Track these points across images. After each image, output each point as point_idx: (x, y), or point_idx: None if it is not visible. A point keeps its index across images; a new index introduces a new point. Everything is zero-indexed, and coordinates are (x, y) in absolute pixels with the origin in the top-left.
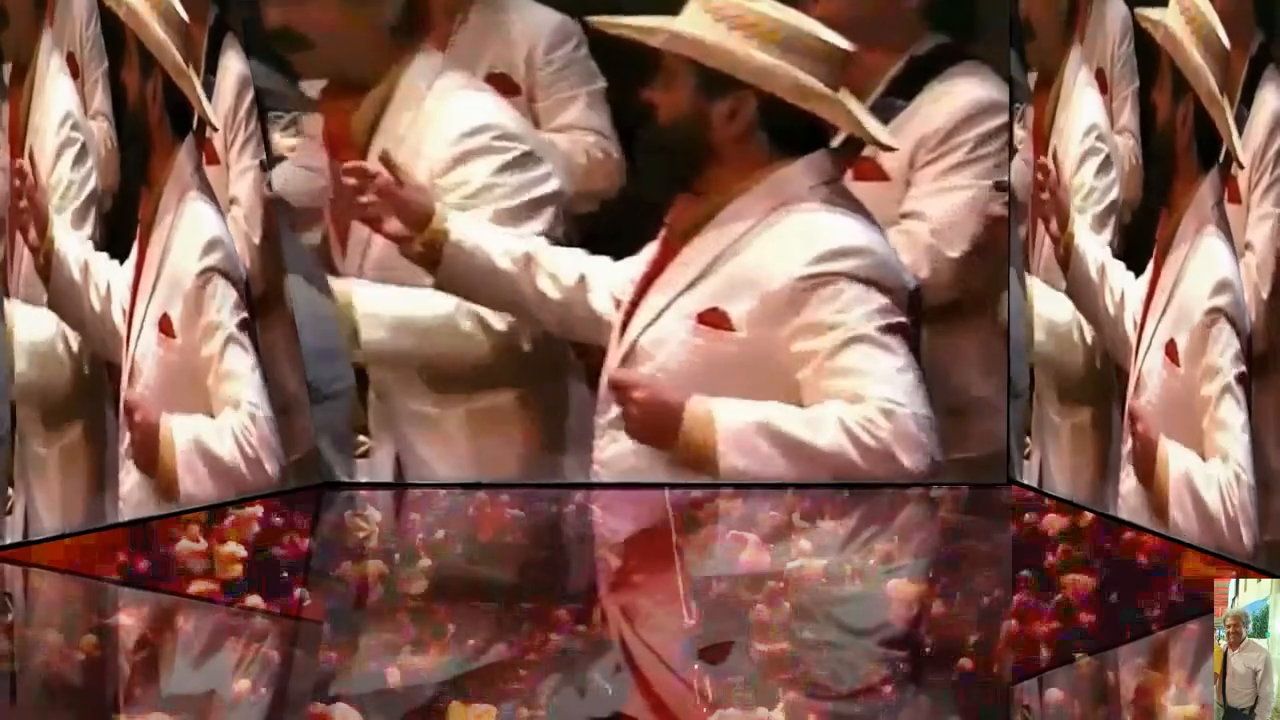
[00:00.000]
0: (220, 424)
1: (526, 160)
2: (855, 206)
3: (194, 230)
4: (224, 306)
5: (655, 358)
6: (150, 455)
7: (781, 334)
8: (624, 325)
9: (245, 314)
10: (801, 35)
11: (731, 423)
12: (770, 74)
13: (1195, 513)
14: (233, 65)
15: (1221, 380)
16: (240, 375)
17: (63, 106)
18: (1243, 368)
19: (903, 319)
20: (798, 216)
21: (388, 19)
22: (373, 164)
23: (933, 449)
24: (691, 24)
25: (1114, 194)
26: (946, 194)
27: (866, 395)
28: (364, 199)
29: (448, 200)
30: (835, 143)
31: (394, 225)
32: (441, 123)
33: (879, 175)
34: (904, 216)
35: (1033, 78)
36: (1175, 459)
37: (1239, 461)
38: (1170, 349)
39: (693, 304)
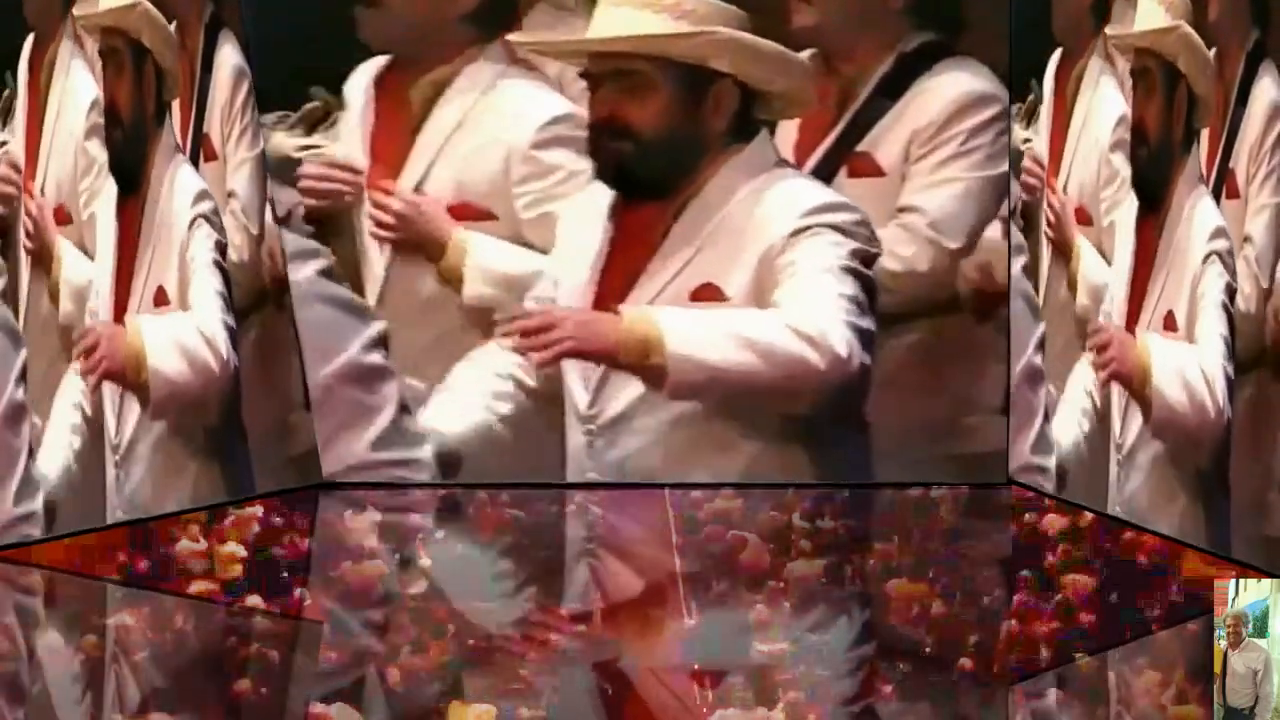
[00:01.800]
0: (183, 317)
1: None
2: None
3: (182, 194)
4: (205, 243)
5: None
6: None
7: (768, 284)
8: None
9: (220, 257)
10: (716, 11)
11: (677, 318)
12: (763, 54)
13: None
14: (228, 58)
15: (1211, 298)
16: (206, 285)
17: (89, 94)
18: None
19: (868, 272)
20: (774, 189)
21: (463, 7)
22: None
23: (861, 355)
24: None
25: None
26: (942, 186)
27: (806, 299)
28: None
29: (535, 188)
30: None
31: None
32: (521, 111)
33: (874, 171)
34: (901, 210)
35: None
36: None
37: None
38: (1169, 320)
39: (681, 288)
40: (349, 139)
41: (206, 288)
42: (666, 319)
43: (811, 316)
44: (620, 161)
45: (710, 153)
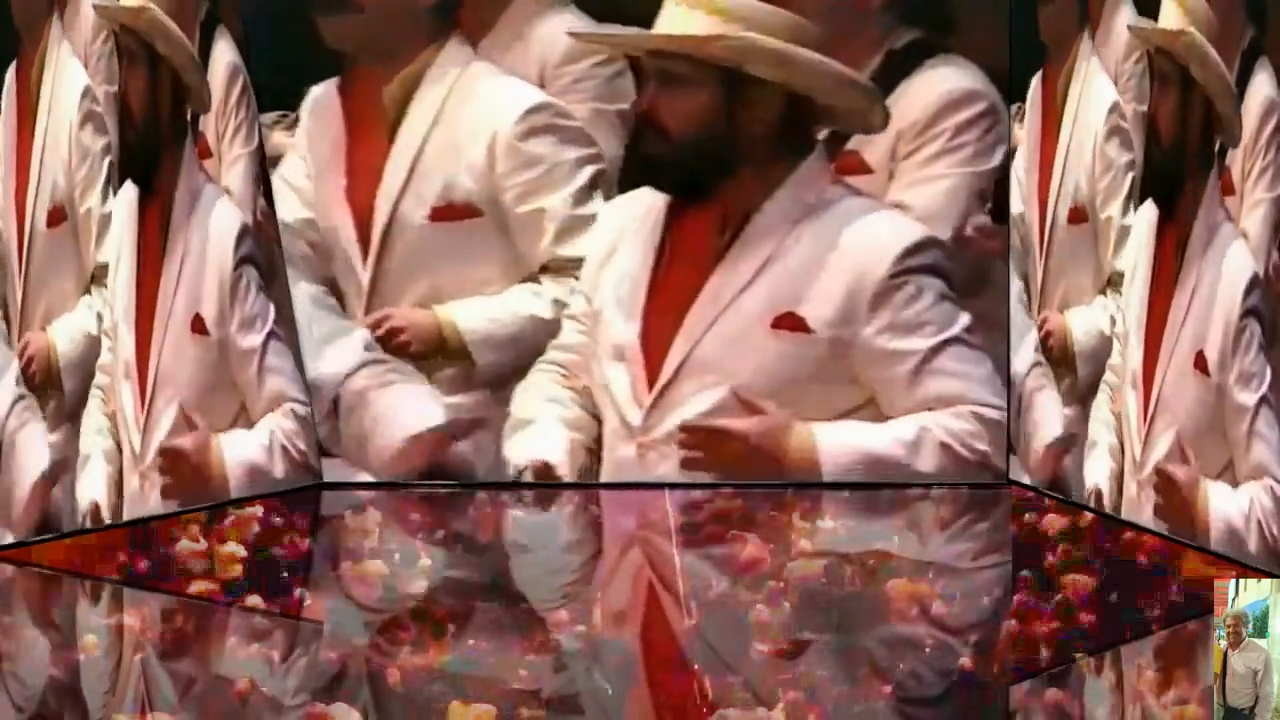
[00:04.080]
0: (264, 433)
1: (581, 135)
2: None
3: (221, 225)
4: (260, 299)
5: (717, 368)
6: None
7: (865, 332)
8: (655, 345)
9: (275, 310)
10: (782, 21)
11: (831, 450)
12: (809, 66)
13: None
14: (223, 56)
15: (1256, 390)
16: (283, 371)
17: (80, 82)
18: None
19: (970, 319)
20: (856, 214)
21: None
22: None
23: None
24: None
25: (1134, 176)
26: (928, 183)
27: (964, 400)
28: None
29: (522, 180)
30: (821, 135)
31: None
32: (499, 102)
33: (863, 168)
34: (889, 207)
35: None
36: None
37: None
38: (1200, 360)
39: (755, 311)
40: (322, 157)
41: (290, 379)
42: (826, 459)
43: (970, 433)
44: (652, 160)
45: (751, 160)
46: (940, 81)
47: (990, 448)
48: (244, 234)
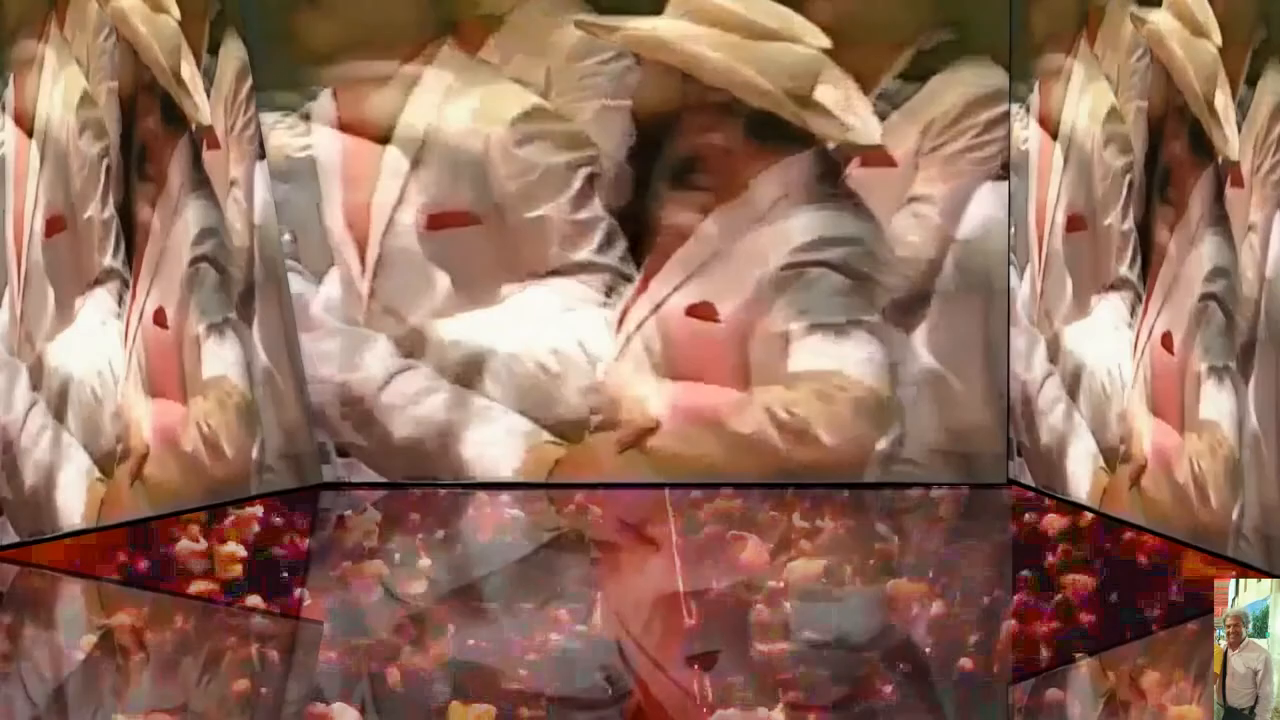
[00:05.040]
0: (184, 408)
1: (575, 139)
2: (851, 201)
3: (191, 224)
4: (214, 295)
5: (646, 350)
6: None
7: (761, 320)
8: (621, 321)
9: (232, 312)
10: (777, 34)
11: (661, 397)
12: (733, 77)
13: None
14: (232, 53)
15: (1211, 361)
16: (223, 359)
17: (78, 88)
18: (1230, 361)
19: (874, 317)
20: (792, 212)
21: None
22: None
23: (884, 440)
24: (662, 25)
25: (1131, 175)
26: (952, 179)
27: (811, 378)
28: None
29: (517, 188)
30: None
31: None
32: (494, 106)
33: (887, 162)
34: (912, 200)
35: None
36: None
37: (1221, 437)
38: (1166, 339)
39: (683, 299)
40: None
41: (226, 369)
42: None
43: (798, 403)
44: (632, 154)
45: (713, 155)
46: (968, 81)
47: (815, 420)
48: (206, 234)
